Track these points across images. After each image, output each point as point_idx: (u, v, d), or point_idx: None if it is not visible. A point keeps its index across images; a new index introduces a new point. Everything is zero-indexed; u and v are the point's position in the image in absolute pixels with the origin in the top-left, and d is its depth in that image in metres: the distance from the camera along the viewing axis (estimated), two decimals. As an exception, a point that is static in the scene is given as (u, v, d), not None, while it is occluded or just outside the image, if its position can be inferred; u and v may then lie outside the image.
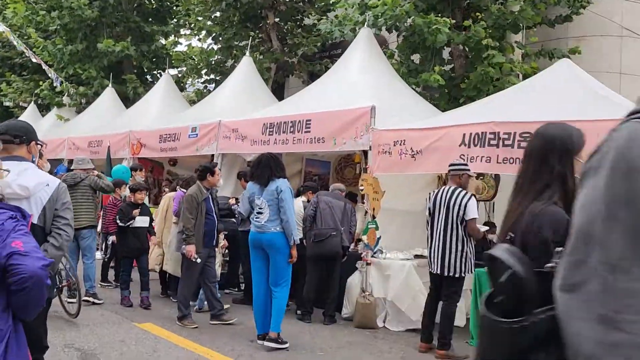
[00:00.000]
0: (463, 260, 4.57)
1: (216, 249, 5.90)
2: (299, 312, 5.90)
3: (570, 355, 1.06)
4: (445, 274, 4.59)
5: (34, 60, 13.60)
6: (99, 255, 7.22)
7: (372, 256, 5.79)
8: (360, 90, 6.69)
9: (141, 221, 5.94)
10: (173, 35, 15.42)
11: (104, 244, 6.77)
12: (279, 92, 12.56)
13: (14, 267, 1.67)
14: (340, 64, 7.80)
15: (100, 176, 6.17)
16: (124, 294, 5.95)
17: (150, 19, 14.89)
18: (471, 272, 4.69)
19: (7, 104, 17.34)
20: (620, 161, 1.02)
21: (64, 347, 4.34)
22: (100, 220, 6.86)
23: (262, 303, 4.71)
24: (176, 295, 6.27)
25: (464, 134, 5.06)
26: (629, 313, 0.98)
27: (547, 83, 5.38)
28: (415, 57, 8.85)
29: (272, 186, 4.60)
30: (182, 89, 14.37)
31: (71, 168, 6.42)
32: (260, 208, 4.65)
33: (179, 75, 14.75)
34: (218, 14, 11.97)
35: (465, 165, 4.80)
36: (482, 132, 4.91)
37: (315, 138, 6.47)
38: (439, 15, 7.82)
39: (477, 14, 7.73)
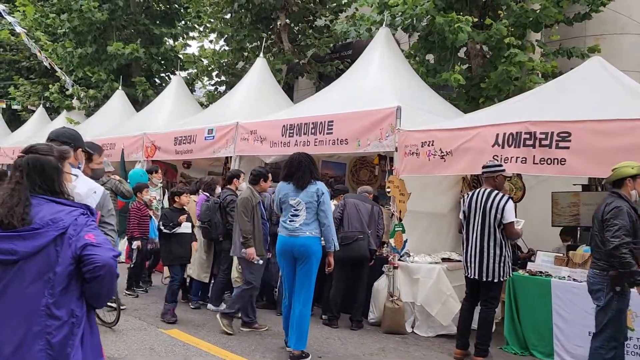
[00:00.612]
0: (501, 264, 4.44)
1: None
2: (324, 316, 5.78)
3: None
4: (484, 279, 4.46)
5: (45, 63, 13.51)
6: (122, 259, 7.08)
7: (399, 259, 5.67)
8: (383, 91, 6.56)
9: (185, 227, 5.58)
10: (182, 38, 15.33)
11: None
12: (289, 93, 12.45)
13: (88, 257, 1.82)
14: (359, 64, 7.68)
15: (121, 181, 6.06)
16: (168, 307, 5.41)
17: (158, 22, 14.83)
18: (510, 275, 4.57)
19: (16, 107, 17.26)
20: None
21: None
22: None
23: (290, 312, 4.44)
24: (197, 300, 6.16)
25: (497, 134, 4.93)
26: None
27: (579, 81, 5.24)
28: (429, 57, 8.74)
29: (312, 188, 4.36)
30: (191, 91, 14.28)
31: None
32: (295, 210, 4.37)
33: (188, 77, 14.67)
34: (229, 15, 11.89)
35: (500, 166, 4.67)
36: (517, 132, 4.78)
37: (338, 139, 6.35)
38: (459, 13, 7.70)
39: (499, 12, 7.61)
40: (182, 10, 15.19)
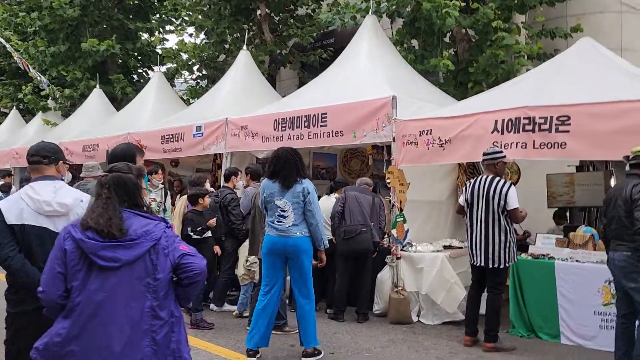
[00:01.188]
0: (507, 250, 4.47)
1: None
2: (329, 310, 5.76)
3: None
4: (490, 265, 4.49)
5: (20, 64, 13.02)
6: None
7: (402, 250, 5.67)
8: (375, 80, 6.50)
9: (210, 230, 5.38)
10: (157, 32, 14.92)
11: None
12: (271, 85, 12.28)
13: (187, 265, 2.10)
14: (347, 53, 7.57)
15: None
16: (197, 316, 5.20)
17: (132, 16, 14.39)
18: (514, 260, 4.61)
19: (-13, 110, 16.66)
20: None
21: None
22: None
23: (262, 311, 4.28)
24: (215, 304, 5.99)
25: (496, 121, 4.93)
26: None
27: (572, 63, 5.26)
28: (414, 43, 8.68)
29: (298, 188, 4.21)
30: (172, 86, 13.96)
31: (80, 175, 6.10)
32: (282, 211, 4.23)
33: (167, 72, 14.32)
34: (207, 7, 11.60)
35: (500, 152, 4.68)
36: (516, 118, 4.79)
37: (332, 132, 6.28)
38: (445, -1, 7.65)
39: (485, -5, 7.58)
40: (156, 4, 14.76)
